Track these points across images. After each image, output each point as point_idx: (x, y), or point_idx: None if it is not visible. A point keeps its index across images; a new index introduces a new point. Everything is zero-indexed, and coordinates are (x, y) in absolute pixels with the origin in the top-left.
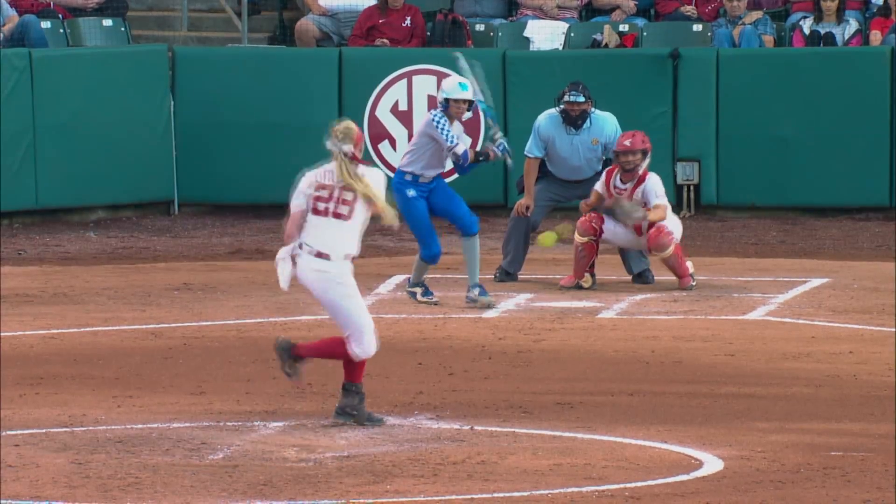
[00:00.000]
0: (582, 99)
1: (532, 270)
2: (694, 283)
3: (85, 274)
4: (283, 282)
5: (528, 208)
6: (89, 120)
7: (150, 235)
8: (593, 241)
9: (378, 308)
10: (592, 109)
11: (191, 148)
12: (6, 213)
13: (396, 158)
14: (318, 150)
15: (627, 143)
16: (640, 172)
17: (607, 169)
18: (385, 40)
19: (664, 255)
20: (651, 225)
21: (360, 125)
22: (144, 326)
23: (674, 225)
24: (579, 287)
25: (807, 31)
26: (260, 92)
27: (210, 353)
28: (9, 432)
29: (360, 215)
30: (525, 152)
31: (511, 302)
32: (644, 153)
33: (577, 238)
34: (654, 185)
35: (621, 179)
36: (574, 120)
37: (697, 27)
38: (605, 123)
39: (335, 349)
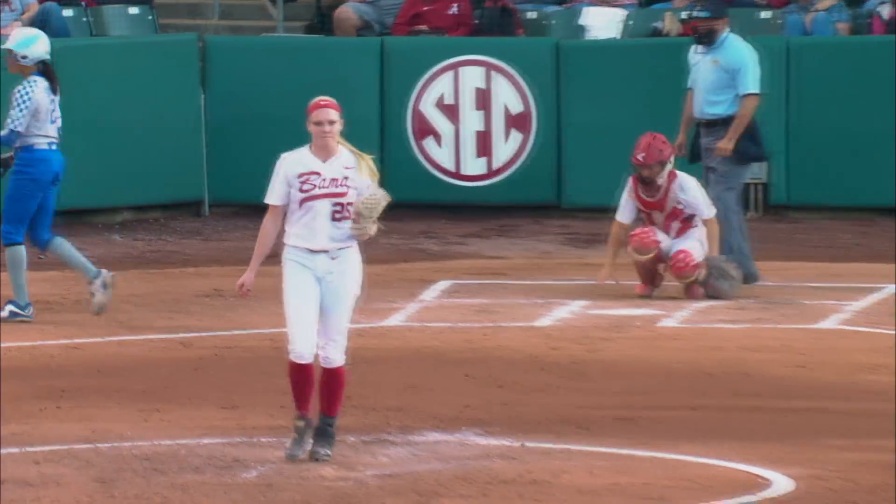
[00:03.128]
0: (706, 14)
1: (588, 274)
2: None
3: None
4: None
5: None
6: (114, 115)
7: (179, 238)
8: (654, 252)
9: (423, 316)
10: (727, 32)
11: (222, 144)
12: None
13: (442, 156)
14: (359, 145)
15: (640, 157)
16: (661, 182)
17: (633, 175)
18: (430, 28)
19: (685, 283)
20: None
21: (403, 120)
22: (173, 336)
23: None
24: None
25: (885, 17)
26: (296, 84)
27: (243, 365)
28: (29, 449)
29: None
30: None
31: (565, 309)
32: (661, 164)
33: (637, 256)
34: (694, 195)
35: (644, 192)
36: (700, 38)
37: (766, 14)
38: (735, 51)
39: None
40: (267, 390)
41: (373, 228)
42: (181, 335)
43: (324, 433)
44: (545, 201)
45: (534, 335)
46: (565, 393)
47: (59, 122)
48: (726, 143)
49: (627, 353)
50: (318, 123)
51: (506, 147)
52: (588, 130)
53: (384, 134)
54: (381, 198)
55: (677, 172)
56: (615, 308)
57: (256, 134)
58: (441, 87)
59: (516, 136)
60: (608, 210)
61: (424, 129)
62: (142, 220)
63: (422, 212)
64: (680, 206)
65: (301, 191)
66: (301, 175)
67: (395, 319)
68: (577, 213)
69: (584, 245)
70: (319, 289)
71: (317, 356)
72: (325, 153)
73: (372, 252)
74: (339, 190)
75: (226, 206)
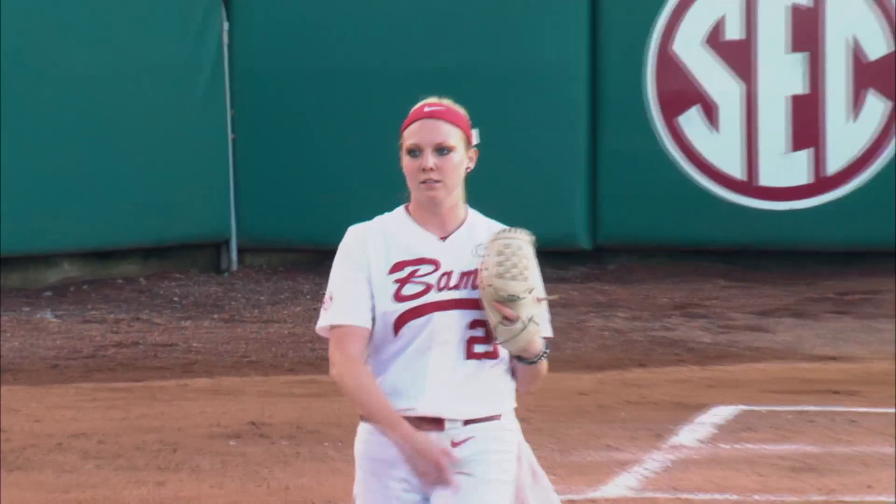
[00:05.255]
0: None
1: None
2: None
3: (34, 402)
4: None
5: None
6: (59, 66)
7: (176, 317)
8: None
9: (678, 478)
10: None
11: (265, 126)
12: None
13: (718, 147)
14: (546, 134)
15: None
16: None
17: None
18: None
19: None
20: None
21: (637, 75)
22: None
23: None
24: None
25: None
26: (417, 6)
27: None
28: None
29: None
30: None
31: None
32: None
33: None
34: None
35: None
36: None
37: None
38: None
39: None
40: None
41: (537, 318)
42: None
43: None
44: (877, 243)
45: None
46: None
47: None
48: None
49: None
50: (416, 151)
51: (853, 130)
52: None
53: (598, 103)
54: (520, 237)
55: None
56: None
57: (331, 101)
58: (715, 6)
59: (874, 107)
60: None
61: (681, 94)
62: (101, 281)
63: (675, 263)
64: None
65: (398, 298)
66: (398, 267)
67: (620, 486)
68: None
69: None
70: None
71: None
72: (443, 220)
73: (568, 346)
74: (469, 294)
75: (270, 251)
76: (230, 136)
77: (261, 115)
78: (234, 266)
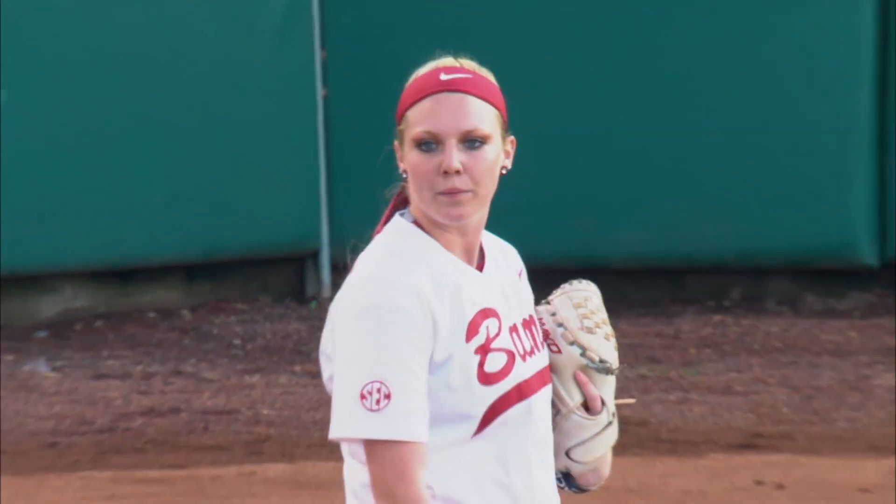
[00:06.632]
0: None
1: None
2: None
3: (21, 500)
4: None
5: None
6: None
7: (237, 370)
8: None
9: None
10: None
11: (372, 80)
12: None
13: None
14: (808, 98)
15: None
16: None
17: None
18: None
19: None
20: None
21: None
22: None
23: None
24: None
25: None
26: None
27: None
28: None
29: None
30: None
31: None
32: None
33: None
34: None
35: None
36: None
37: None
38: None
39: None
40: None
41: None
42: None
43: None
44: None
45: None
46: None
47: None
48: None
49: None
50: (430, 143)
51: None
52: None
53: (888, 52)
54: (595, 291)
55: None
56: None
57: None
58: None
59: None
60: None
61: None
62: (124, 315)
63: None
64: None
65: (484, 378)
66: (472, 329)
67: None
68: None
69: None
70: None
71: None
72: (470, 244)
73: (842, 416)
74: (545, 359)
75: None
76: (320, 92)
77: (365, 63)
78: (326, 291)
